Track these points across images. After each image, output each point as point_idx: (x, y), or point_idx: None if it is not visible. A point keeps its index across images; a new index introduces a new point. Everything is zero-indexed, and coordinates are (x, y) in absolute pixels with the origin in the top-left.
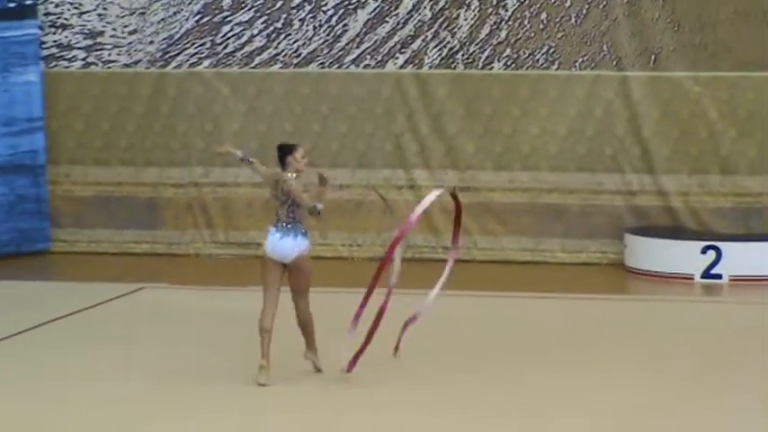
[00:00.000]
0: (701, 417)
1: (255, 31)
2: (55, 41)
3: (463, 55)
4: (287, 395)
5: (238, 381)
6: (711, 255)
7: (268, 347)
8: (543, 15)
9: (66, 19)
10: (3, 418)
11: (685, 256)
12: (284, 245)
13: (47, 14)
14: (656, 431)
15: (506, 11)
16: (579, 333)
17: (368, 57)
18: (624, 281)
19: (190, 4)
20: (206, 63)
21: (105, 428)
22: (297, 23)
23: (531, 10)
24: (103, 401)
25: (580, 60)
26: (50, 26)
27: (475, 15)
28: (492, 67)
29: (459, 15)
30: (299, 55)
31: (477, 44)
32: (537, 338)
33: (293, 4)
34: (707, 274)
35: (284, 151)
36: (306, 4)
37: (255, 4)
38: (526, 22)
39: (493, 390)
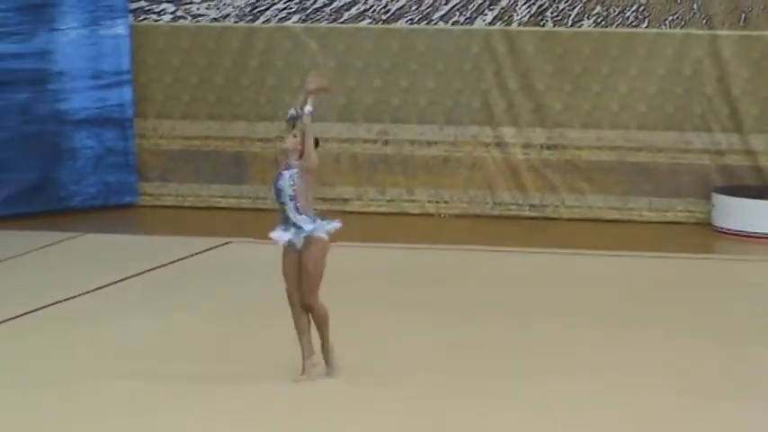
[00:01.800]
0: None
1: None
2: None
3: (552, 12)
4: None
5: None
6: None
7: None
8: None
9: None
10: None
11: None
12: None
13: None
14: (719, 389)
15: None
16: (664, 292)
17: (456, 13)
18: (711, 240)
19: None
20: (294, 18)
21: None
22: None
23: None
24: (183, 349)
25: (670, 18)
26: None
27: None
28: (581, 25)
29: None
30: (388, 11)
31: (566, 1)
32: (620, 296)
33: None
34: None
35: None
36: None
37: None
38: None
39: (570, 341)
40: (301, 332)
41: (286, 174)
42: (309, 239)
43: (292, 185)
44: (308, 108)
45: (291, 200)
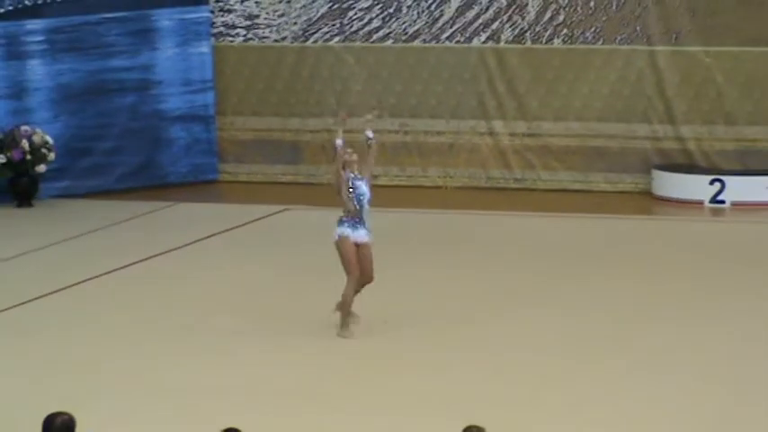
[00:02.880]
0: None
1: (373, 15)
2: (222, 22)
3: (531, 33)
4: None
5: None
6: (717, 185)
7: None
8: (592, 3)
9: (231, 5)
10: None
11: (697, 187)
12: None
13: (216, 1)
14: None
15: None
16: (615, 243)
17: (458, 35)
18: (651, 205)
19: None
20: (336, 39)
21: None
22: (405, 9)
23: None
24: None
25: (619, 38)
26: (219, 10)
27: (540, 3)
28: (553, 43)
29: (527, 3)
30: (407, 33)
31: (541, 25)
32: (582, 247)
33: None
34: (714, 200)
35: None
36: None
37: None
38: (579, 8)
39: (541, 284)
40: (351, 301)
41: (361, 182)
42: None
43: (369, 192)
44: (368, 133)
45: (368, 204)
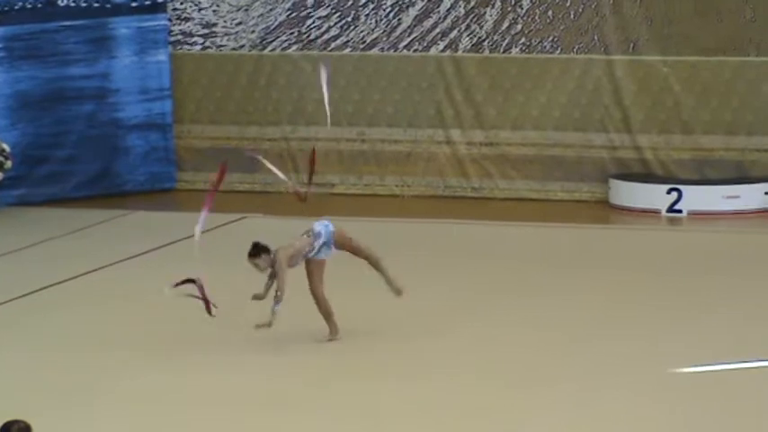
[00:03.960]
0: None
1: (332, 23)
2: (180, 30)
3: (488, 42)
4: None
5: None
6: (674, 195)
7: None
8: (550, 12)
9: (188, 13)
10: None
11: (654, 196)
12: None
13: (174, 9)
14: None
15: (522, 9)
16: (571, 253)
17: (416, 43)
18: (608, 214)
19: (282, 2)
20: (294, 47)
21: None
22: (363, 18)
23: (541, 8)
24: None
25: (576, 47)
26: (177, 18)
27: (498, 12)
28: (510, 52)
29: (485, 12)
30: (365, 42)
31: (499, 34)
32: (539, 256)
33: (360, 3)
34: (671, 209)
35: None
36: (370, 2)
37: (331, 3)
38: (537, 17)
39: (495, 291)
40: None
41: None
42: None
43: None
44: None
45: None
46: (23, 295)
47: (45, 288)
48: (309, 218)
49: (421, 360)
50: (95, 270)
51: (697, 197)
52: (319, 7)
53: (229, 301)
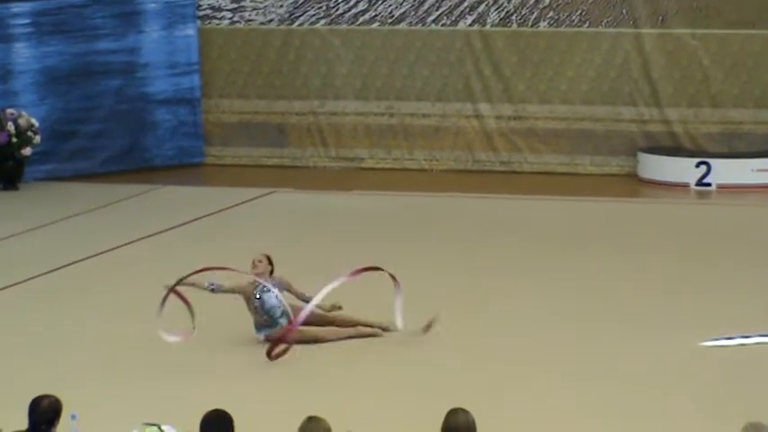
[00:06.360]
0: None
1: None
2: (209, 4)
3: (517, 16)
4: None
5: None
6: (703, 168)
7: None
8: None
9: None
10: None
11: (683, 169)
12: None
13: None
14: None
15: None
16: (601, 226)
17: (444, 17)
18: (637, 188)
19: None
20: (322, 22)
21: None
22: None
23: None
24: None
25: (605, 21)
26: None
27: None
28: (539, 26)
29: None
30: (393, 16)
31: (527, 8)
32: (568, 230)
33: None
34: (700, 183)
35: None
36: None
37: None
38: None
39: (524, 267)
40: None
41: (269, 294)
42: None
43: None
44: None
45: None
46: (54, 270)
47: (76, 262)
48: (339, 191)
49: (460, 334)
50: (125, 244)
51: (726, 170)
52: None
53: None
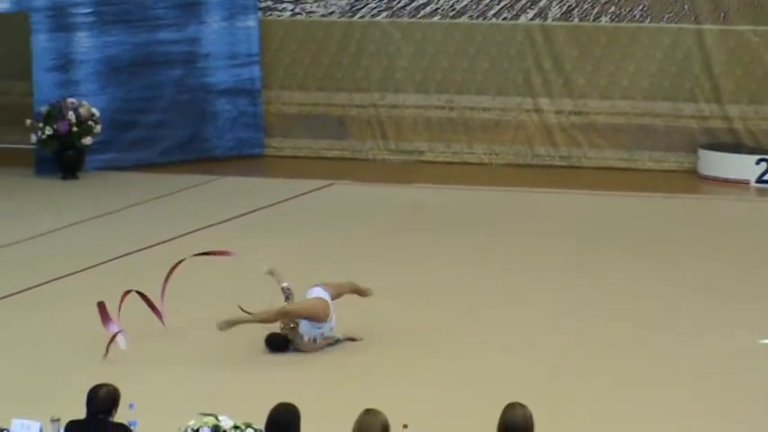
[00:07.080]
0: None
1: None
2: None
3: (578, 10)
4: None
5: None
6: (764, 165)
7: None
8: None
9: None
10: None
11: (744, 166)
12: None
13: None
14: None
15: None
16: (661, 222)
17: (505, 11)
18: (697, 184)
19: None
20: (383, 15)
21: None
22: None
23: None
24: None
25: (666, 16)
26: None
27: None
28: (600, 20)
29: None
30: (454, 9)
31: (588, 2)
32: (628, 225)
33: None
34: (760, 180)
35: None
36: None
37: None
38: None
39: (583, 262)
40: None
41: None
42: None
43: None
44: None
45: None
46: (113, 258)
47: (135, 252)
48: (399, 184)
49: (522, 328)
50: (184, 234)
51: None
52: None
53: (327, 267)
